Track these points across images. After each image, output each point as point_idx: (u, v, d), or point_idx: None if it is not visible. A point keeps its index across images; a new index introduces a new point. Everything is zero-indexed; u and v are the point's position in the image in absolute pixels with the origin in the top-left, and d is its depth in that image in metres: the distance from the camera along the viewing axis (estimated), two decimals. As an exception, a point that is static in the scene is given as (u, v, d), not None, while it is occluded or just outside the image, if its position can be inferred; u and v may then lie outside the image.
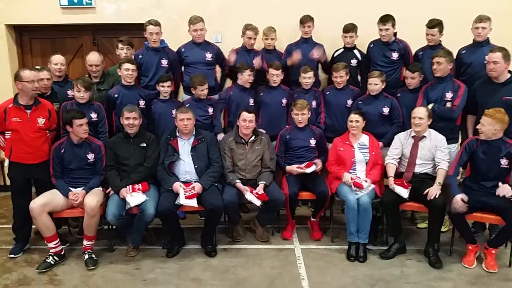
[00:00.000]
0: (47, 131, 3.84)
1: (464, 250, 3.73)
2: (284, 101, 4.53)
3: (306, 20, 4.72)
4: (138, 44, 5.02)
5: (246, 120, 3.97)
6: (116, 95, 4.28)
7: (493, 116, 3.51)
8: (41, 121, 3.71)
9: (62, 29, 5.40)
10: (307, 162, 4.11)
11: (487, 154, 3.60)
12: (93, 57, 4.47)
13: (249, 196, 3.84)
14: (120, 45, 4.66)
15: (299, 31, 4.81)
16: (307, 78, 4.44)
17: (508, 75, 3.84)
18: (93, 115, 4.11)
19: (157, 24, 4.47)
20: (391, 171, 3.94)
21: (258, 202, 3.83)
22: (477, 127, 3.66)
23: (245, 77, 4.43)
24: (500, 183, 3.56)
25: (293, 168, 4.11)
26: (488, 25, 4.17)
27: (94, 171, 3.86)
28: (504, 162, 3.55)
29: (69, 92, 4.29)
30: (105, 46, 5.50)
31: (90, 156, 3.82)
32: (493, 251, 3.60)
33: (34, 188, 3.91)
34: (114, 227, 3.97)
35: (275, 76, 4.46)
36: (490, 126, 3.53)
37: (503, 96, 3.77)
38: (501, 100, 3.73)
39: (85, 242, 3.69)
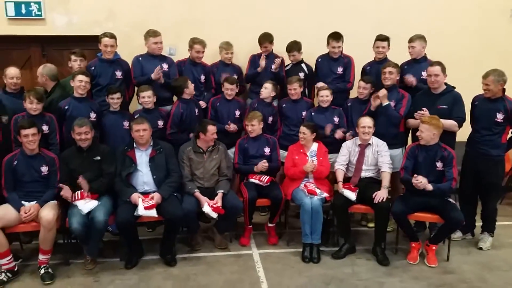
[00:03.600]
0: None
1: (408, 248, 4.04)
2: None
3: (264, 41, 4.92)
4: (90, 56, 5.00)
5: (214, 133, 4.11)
6: (66, 107, 4.23)
7: (430, 123, 3.88)
8: None
9: (9, 40, 5.25)
10: (268, 177, 4.28)
11: (425, 158, 3.96)
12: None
13: (206, 208, 3.93)
14: (73, 57, 4.62)
15: (252, 44, 5.01)
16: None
17: (444, 87, 4.24)
18: (45, 127, 4.04)
19: (112, 36, 4.50)
20: (340, 177, 4.22)
21: (214, 215, 3.94)
22: (417, 134, 4.01)
23: (190, 90, 4.53)
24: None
25: (260, 165, 4.25)
26: (417, 43, 4.56)
27: (48, 184, 3.79)
28: (439, 165, 3.92)
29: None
30: (55, 58, 5.38)
31: (44, 169, 3.76)
32: (434, 247, 3.94)
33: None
34: (69, 240, 3.91)
35: (230, 90, 4.62)
36: (428, 131, 3.89)
37: (438, 105, 4.16)
38: (436, 109, 4.12)
39: (40, 257, 3.61)
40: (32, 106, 3.93)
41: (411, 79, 4.50)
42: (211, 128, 4.10)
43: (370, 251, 4.08)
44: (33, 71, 5.38)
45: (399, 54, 4.70)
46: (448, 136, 4.09)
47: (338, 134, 4.48)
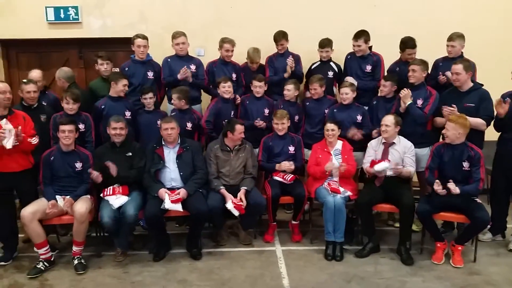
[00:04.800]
0: (28, 139, 3.77)
1: (434, 248, 3.98)
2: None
3: (279, 38, 4.99)
4: (124, 57, 5.24)
5: (242, 132, 4.21)
6: (103, 106, 4.46)
7: (456, 121, 3.81)
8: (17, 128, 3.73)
9: (48, 43, 5.57)
10: (292, 176, 4.33)
11: (451, 158, 3.89)
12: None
13: (229, 205, 4.02)
14: (99, 61, 4.84)
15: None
16: (258, 87, 4.69)
17: (471, 84, 4.15)
18: (81, 126, 4.28)
19: (144, 37, 4.71)
20: (369, 168, 4.17)
21: (236, 212, 4.03)
22: (443, 132, 3.96)
23: (222, 89, 4.63)
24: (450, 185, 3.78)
25: (283, 165, 4.32)
26: (457, 43, 4.46)
27: (81, 180, 3.99)
28: (466, 165, 3.84)
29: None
30: (91, 60, 5.65)
31: (78, 165, 3.97)
32: (460, 248, 3.87)
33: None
34: (102, 234, 4.13)
35: (258, 87, 4.71)
36: (454, 130, 3.83)
37: (465, 103, 4.08)
38: (463, 107, 4.04)
39: (74, 248, 3.83)
40: (69, 106, 4.17)
41: (443, 78, 4.43)
42: (239, 128, 4.20)
43: (394, 250, 4.06)
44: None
45: (429, 51, 4.63)
46: (475, 135, 4.01)
47: (352, 133, 4.43)
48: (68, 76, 4.75)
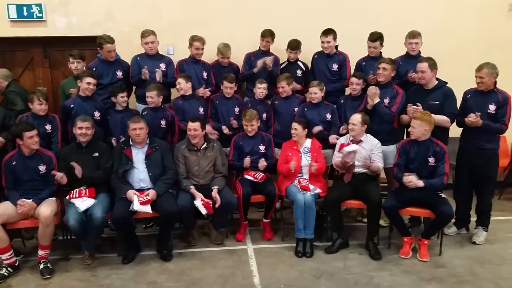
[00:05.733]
0: None
1: (401, 243, 4.07)
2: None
3: (265, 35, 5.00)
4: (91, 55, 5.12)
5: (191, 129, 4.17)
6: (72, 105, 4.36)
7: (422, 118, 3.90)
8: None
9: (12, 42, 5.39)
10: (262, 175, 4.35)
11: (417, 154, 3.98)
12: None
13: (197, 203, 4.00)
14: (71, 59, 4.72)
15: (253, 44, 5.10)
16: (261, 89, 4.71)
17: (436, 82, 4.26)
18: (48, 127, 4.19)
19: (113, 41, 4.62)
20: (338, 161, 4.23)
21: (204, 211, 4.00)
22: (409, 129, 4.04)
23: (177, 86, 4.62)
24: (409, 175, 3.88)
25: (245, 161, 4.35)
26: (419, 40, 4.62)
27: (46, 182, 3.89)
28: (431, 160, 3.94)
29: None
30: (56, 59, 5.54)
31: (42, 168, 3.86)
32: (426, 242, 3.97)
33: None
34: (69, 237, 4.03)
35: (229, 88, 4.70)
36: (420, 127, 3.91)
37: (429, 101, 4.18)
38: (427, 105, 4.14)
39: (40, 252, 3.73)
40: (42, 106, 4.09)
41: (414, 75, 4.52)
42: (189, 125, 4.17)
43: (363, 246, 4.13)
44: (36, 71, 5.56)
45: (394, 49, 4.74)
46: (441, 131, 4.11)
47: (332, 139, 4.48)
48: (5, 76, 4.63)
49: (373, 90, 4.29)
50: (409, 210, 4.03)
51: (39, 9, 5.25)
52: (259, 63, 4.85)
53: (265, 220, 4.43)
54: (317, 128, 4.54)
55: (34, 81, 5.54)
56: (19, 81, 5.21)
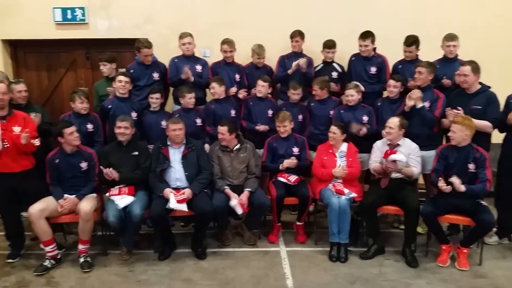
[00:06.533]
0: (31, 141, 3.77)
1: (439, 251, 3.97)
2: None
3: (294, 35, 4.99)
4: (130, 58, 5.27)
5: (219, 133, 4.23)
6: (110, 106, 4.50)
7: (462, 123, 3.80)
8: (16, 129, 3.78)
9: (56, 43, 5.61)
10: (296, 178, 4.33)
11: (457, 160, 3.87)
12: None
13: (233, 202, 4.05)
14: (100, 63, 4.87)
15: (288, 46, 5.09)
16: (295, 95, 4.71)
17: (479, 86, 4.13)
18: (89, 126, 4.34)
19: (150, 45, 4.72)
20: (378, 166, 4.17)
21: (240, 211, 4.05)
22: (449, 134, 3.93)
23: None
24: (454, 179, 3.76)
25: (286, 162, 4.32)
26: (457, 42, 4.51)
27: (88, 179, 4.02)
28: (471, 166, 3.82)
29: None
30: (98, 60, 5.63)
31: (83, 165, 3.99)
32: (465, 251, 3.85)
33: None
34: (108, 232, 4.15)
35: (261, 86, 4.72)
36: (460, 132, 3.81)
37: (471, 106, 4.06)
38: (469, 109, 4.02)
39: (80, 246, 3.86)
40: (83, 105, 4.25)
41: (447, 81, 4.44)
42: (220, 129, 4.23)
43: (399, 252, 4.05)
44: (78, 72, 5.78)
45: (429, 52, 4.62)
46: (482, 137, 3.99)
47: (356, 129, 4.39)
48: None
49: (418, 93, 4.19)
50: (448, 217, 3.92)
51: (82, 12, 5.47)
52: (294, 65, 4.85)
53: (298, 223, 4.41)
54: (355, 128, 4.41)
55: (76, 81, 5.75)
56: (62, 81, 5.42)
